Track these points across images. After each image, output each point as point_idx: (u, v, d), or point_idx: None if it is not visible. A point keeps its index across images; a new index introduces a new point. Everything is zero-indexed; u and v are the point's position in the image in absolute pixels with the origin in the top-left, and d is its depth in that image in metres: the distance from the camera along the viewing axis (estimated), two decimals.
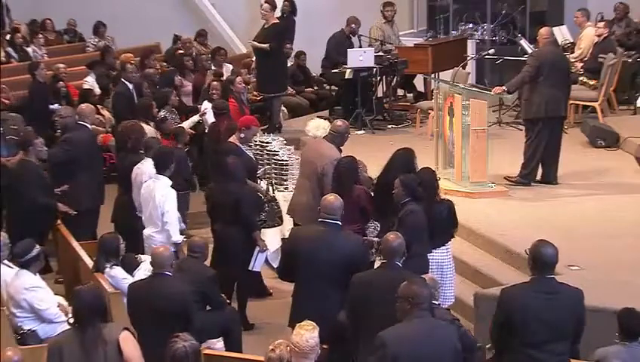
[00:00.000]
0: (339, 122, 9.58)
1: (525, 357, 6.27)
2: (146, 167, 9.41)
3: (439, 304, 7.12)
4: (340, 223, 7.47)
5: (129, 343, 6.07)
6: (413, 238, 7.60)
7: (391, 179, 8.27)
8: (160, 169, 9.11)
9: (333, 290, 7.22)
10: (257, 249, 9.12)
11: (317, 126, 10.16)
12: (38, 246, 8.31)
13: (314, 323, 5.91)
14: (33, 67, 13.42)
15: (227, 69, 14.60)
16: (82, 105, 11.23)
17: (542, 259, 6.42)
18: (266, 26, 13.61)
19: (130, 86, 12.61)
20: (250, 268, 9.13)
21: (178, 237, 8.98)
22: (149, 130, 10.96)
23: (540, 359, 6.26)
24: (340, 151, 9.29)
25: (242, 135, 9.86)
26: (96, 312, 6.08)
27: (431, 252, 8.07)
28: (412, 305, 5.79)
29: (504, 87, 11.41)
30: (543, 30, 11.46)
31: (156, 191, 8.96)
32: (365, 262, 7.50)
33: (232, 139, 9.89)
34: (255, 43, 13.50)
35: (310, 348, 5.80)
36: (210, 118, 11.85)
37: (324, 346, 6.76)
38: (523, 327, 6.22)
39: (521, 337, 6.24)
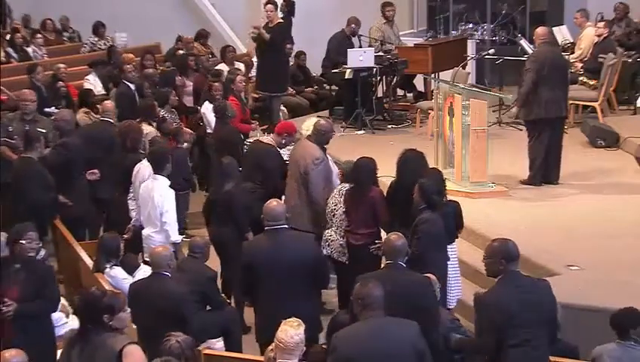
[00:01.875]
0: (322, 121, 9.59)
1: (526, 354, 6.26)
2: (148, 166, 9.39)
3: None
4: (287, 226, 7.41)
5: (132, 358, 5.98)
6: (427, 247, 7.58)
7: (405, 185, 8.24)
8: (156, 169, 9.10)
9: (302, 293, 7.22)
10: None
11: (309, 127, 10.17)
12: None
13: (299, 320, 5.91)
14: (30, 70, 13.41)
15: (238, 66, 14.58)
16: (106, 102, 11.36)
17: (511, 253, 6.40)
18: (270, 25, 13.68)
19: (132, 86, 12.61)
20: None
21: (177, 237, 8.97)
22: (152, 130, 10.87)
23: (536, 356, 6.30)
24: (324, 150, 9.27)
25: (283, 141, 9.78)
26: (91, 319, 6.05)
27: (448, 259, 8.06)
28: (363, 307, 5.82)
29: (517, 105, 11.38)
30: (540, 30, 11.42)
31: (155, 191, 8.95)
32: (323, 258, 7.53)
33: (269, 140, 9.84)
34: (262, 31, 13.67)
35: (295, 344, 5.80)
36: (211, 118, 11.83)
37: (324, 346, 6.76)
38: (514, 327, 6.20)
39: (512, 338, 6.21)
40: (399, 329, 5.87)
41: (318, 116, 12.09)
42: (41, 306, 7.32)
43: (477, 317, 6.43)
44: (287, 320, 5.90)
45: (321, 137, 9.25)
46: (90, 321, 6.13)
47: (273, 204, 7.46)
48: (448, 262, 8.11)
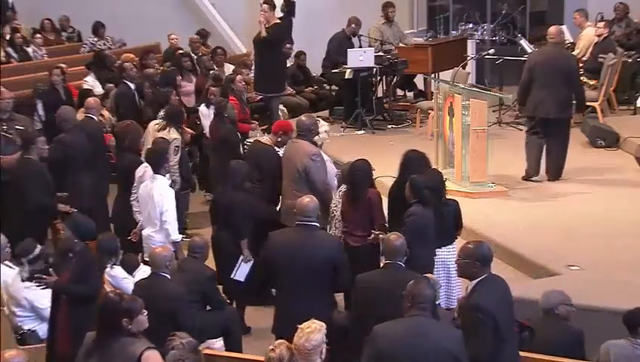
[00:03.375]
0: (303, 118, 9.57)
1: (513, 351, 6.36)
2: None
3: (439, 303, 7.12)
4: (318, 224, 7.46)
5: None
6: (413, 241, 7.55)
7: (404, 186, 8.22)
8: (154, 168, 9.09)
9: (319, 291, 7.22)
10: (241, 258, 8.84)
11: (324, 125, 10.17)
12: (39, 246, 8.31)
13: (317, 322, 5.88)
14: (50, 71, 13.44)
15: (229, 68, 14.55)
16: (89, 98, 11.33)
17: (486, 256, 6.42)
18: (266, 26, 13.66)
19: (132, 86, 12.59)
20: (232, 276, 8.86)
21: (177, 236, 8.97)
22: (178, 137, 10.57)
23: (517, 351, 6.42)
24: (316, 145, 9.25)
25: (279, 139, 9.75)
26: (110, 325, 5.93)
27: (435, 254, 8.05)
28: (412, 304, 5.81)
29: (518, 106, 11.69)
30: (550, 29, 11.56)
31: (154, 190, 8.95)
32: (344, 261, 7.48)
33: (267, 140, 9.83)
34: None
35: (312, 347, 5.78)
36: (205, 122, 11.79)
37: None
38: (507, 326, 6.25)
39: (505, 336, 6.22)
40: (439, 332, 5.86)
41: (318, 116, 12.08)
42: (84, 289, 7.47)
43: (473, 323, 6.30)
44: (305, 323, 5.85)
45: (309, 134, 9.23)
46: (110, 327, 5.92)
47: (306, 200, 7.49)
48: (452, 261, 8.09)
